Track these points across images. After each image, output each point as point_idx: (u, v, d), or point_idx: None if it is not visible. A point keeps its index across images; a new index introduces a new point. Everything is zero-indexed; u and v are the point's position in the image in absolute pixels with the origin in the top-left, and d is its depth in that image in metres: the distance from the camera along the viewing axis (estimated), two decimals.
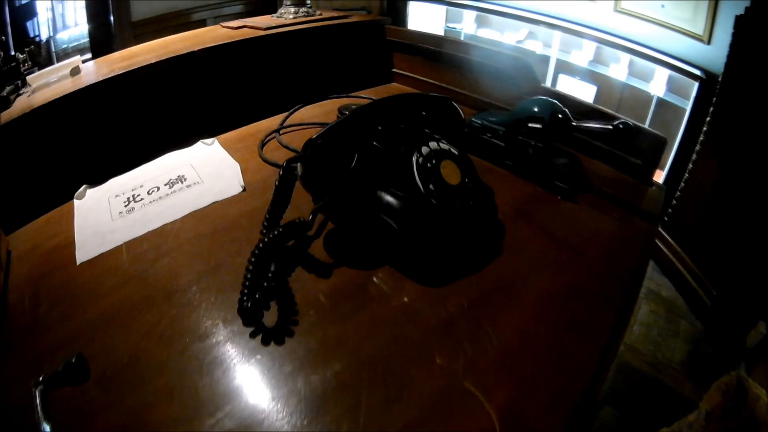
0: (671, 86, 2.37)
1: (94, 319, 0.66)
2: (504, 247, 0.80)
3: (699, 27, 2.27)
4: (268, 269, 0.66)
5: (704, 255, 2.40)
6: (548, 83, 2.64)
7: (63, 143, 1.06)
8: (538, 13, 2.61)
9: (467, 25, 2.90)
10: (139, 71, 1.13)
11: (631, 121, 0.93)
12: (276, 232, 0.68)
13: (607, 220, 0.94)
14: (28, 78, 1.18)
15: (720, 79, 2.11)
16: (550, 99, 1.02)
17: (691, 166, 2.29)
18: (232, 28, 1.42)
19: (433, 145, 0.75)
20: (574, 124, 0.98)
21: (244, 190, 0.95)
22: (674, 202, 2.40)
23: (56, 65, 1.23)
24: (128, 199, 0.92)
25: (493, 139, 1.05)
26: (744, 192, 2.10)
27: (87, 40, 2.82)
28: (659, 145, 1.05)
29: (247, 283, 0.63)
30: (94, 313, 0.67)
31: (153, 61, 1.14)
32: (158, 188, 0.95)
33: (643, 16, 2.44)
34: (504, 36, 2.75)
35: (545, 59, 2.65)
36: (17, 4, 2.56)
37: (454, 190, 0.73)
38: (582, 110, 1.10)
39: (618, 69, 2.42)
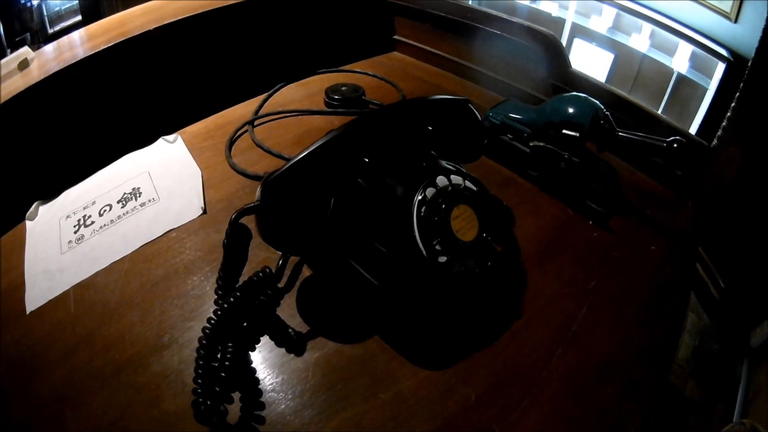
0: (694, 62, 2.14)
1: (47, 396, 0.53)
2: (525, 308, 0.61)
3: (727, 4, 2.04)
4: (225, 350, 0.49)
5: (716, 245, 2.22)
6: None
7: (12, 149, 0.87)
8: None
9: None
10: (90, 59, 0.92)
11: (683, 139, 0.72)
12: (231, 300, 0.51)
13: (644, 258, 0.74)
14: None
15: (750, 64, 1.86)
16: (590, 98, 0.78)
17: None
18: None
19: (441, 181, 0.52)
20: (620, 134, 0.75)
21: (205, 212, 0.76)
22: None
23: (3, 60, 1.02)
24: (78, 221, 0.79)
25: (515, 142, 0.80)
26: (762, 185, 1.88)
27: (77, 2, 2.69)
28: (703, 155, 0.91)
29: (200, 374, 0.47)
30: (46, 389, 0.54)
31: (103, 46, 0.93)
32: (110, 207, 0.80)
33: None
34: None
35: (560, 21, 2.39)
36: None
37: (468, 248, 0.51)
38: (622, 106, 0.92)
39: (638, 39, 2.17)
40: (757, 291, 2.12)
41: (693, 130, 2.19)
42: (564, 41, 2.45)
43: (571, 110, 0.76)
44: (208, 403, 0.44)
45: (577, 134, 0.73)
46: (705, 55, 2.16)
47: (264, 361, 0.54)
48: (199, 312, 0.59)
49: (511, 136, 0.81)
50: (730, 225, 2.13)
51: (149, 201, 0.80)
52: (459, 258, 0.50)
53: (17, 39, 2.19)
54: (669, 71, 2.22)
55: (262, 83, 1.09)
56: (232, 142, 0.91)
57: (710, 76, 2.15)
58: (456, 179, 0.52)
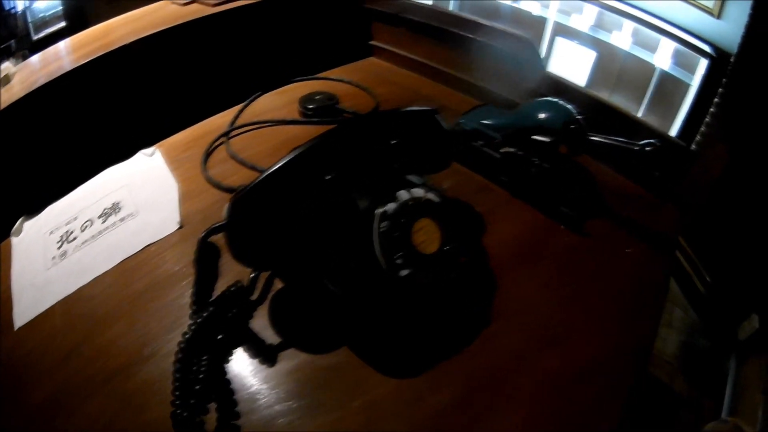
0: (676, 59, 2.14)
1: (41, 405, 0.56)
2: (496, 315, 0.62)
3: (710, 1, 1.99)
4: (200, 363, 0.52)
5: (701, 239, 2.24)
6: (544, 46, 2.39)
7: None
8: None
9: None
10: (70, 74, 0.95)
11: (658, 141, 0.75)
12: (205, 315, 0.53)
13: (621, 261, 0.75)
14: None
15: (732, 60, 1.87)
16: (562, 103, 0.79)
17: (694, 147, 2.06)
18: (181, 4, 1.18)
19: (403, 195, 0.52)
20: (591, 138, 0.76)
21: (181, 226, 0.77)
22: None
23: None
24: (62, 237, 0.81)
25: (487, 148, 0.80)
26: (748, 181, 1.90)
27: (61, 8, 2.69)
28: (683, 156, 0.92)
29: (177, 386, 0.50)
30: (41, 396, 0.56)
31: (82, 61, 0.96)
32: (91, 222, 0.82)
33: None
34: None
35: (542, 20, 2.39)
36: None
37: (430, 261, 0.52)
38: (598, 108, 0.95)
39: (621, 37, 2.17)
40: (743, 285, 2.14)
41: (677, 126, 2.19)
42: (546, 40, 2.45)
43: (542, 115, 0.76)
44: (185, 414, 0.47)
45: (548, 139, 0.73)
46: (688, 51, 2.16)
47: (239, 372, 0.55)
48: (178, 324, 0.60)
49: (482, 143, 0.80)
50: (714, 220, 2.15)
51: (129, 215, 0.81)
52: (421, 271, 0.50)
53: (2, 46, 2.19)
54: (651, 68, 2.23)
55: (240, 93, 1.09)
56: (208, 154, 0.92)
57: (693, 72, 2.15)
58: (418, 192, 0.53)
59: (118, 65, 0.97)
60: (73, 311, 0.67)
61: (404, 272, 0.50)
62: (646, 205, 0.87)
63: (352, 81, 1.14)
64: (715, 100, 1.96)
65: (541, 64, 1.00)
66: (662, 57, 2.24)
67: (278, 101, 1.09)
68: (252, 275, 0.58)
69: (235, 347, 0.57)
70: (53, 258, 0.77)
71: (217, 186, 0.84)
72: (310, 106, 1.00)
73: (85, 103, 0.96)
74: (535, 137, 0.75)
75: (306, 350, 0.57)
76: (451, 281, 0.54)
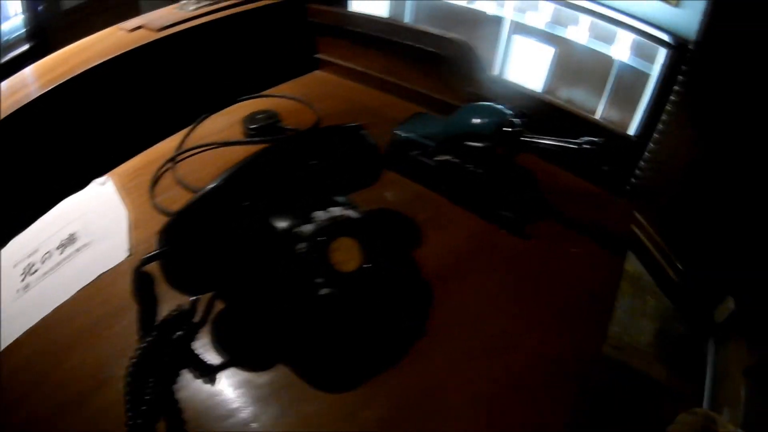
0: (635, 49, 2.14)
1: (19, 427, 0.58)
2: (431, 327, 0.63)
3: None
4: (147, 386, 0.54)
5: (670, 227, 2.22)
6: (501, 45, 2.39)
7: None
8: None
9: None
10: (21, 110, 0.94)
11: (598, 139, 0.74)
12: (148, 340, 0.56)
13: (565, 262, 0.76)
14: None
15: (691, 47, 1.89)
16: (496, 106, 0.80)
17: (656, 136, 2.08)
18: (128, 30, 1.19)
19: (320, 215, 0.55)
20: (526, 139, 0.77)
21: (130, 254, 0.79)
22: (638, 172, 2.19)
23: None
24: (24, 270, 0.83)
25: (422, 157, 0.81)
26: (713, 165, 1.90)
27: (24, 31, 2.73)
28: (631, 148, 0.96)
29: (128, 408, 0.52)
30: (17, 420, 0.58)
31: (35, 96, 0.96)
32: (50, 254, 0.84)
33: None
34: None
35: (498, 20, 2.38)
36: None
37: (350, 278, 0.54)
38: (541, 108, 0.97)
39: (578, 31, 2.17)
40: (716, 269, 2.13)
41: (638, 117, 2.20)
42: (503, 39, 2.45)
43: (475, 120, 0.78)
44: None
45: (480, 145, 0.73)
46: (646, 42, 2.16)
47: (185, 391, 0.58)
48: (131, 348, 0.61)
49: (418, 152, 0.80)
50: (682, 208, 2.15)
51: (84, 246, 0.84)
52: (341, 289, 0.50)
53: None
54: (610, 61, 2.23)
55: (188, 115, 1.11)
56: (155, 181, 0.93)
57: (653, 62, 2.15)
58: (335, 211, 0.55)
59: (68, 97, 0.98)
60: (39, 341, 0.69)
61: (324, 291, 0.52)
62: (597, 202, 0.90)
63: (295, 96, 1.15)
64: (675, 88, 1.99)
65: (481, 66, 1.01)
66: (621, 49, 2.25)
67: (223, 122, 1.10)
68: (192, 299, 0.60)
69: (181, 368, 0.59)
70: (18, 291, 0.79)
71: (164, 212, 0.85)
72: (253, 126, 1.02)
73: (38, 137, 0.98)
74: (468, 143, 0.74)
75: (245, 368, 0.59)
76: (375, 297, 0.53)
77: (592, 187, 0.93)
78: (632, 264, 2.23)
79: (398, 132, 0.85)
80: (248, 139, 1.01)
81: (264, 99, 1.18)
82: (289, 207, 0.57)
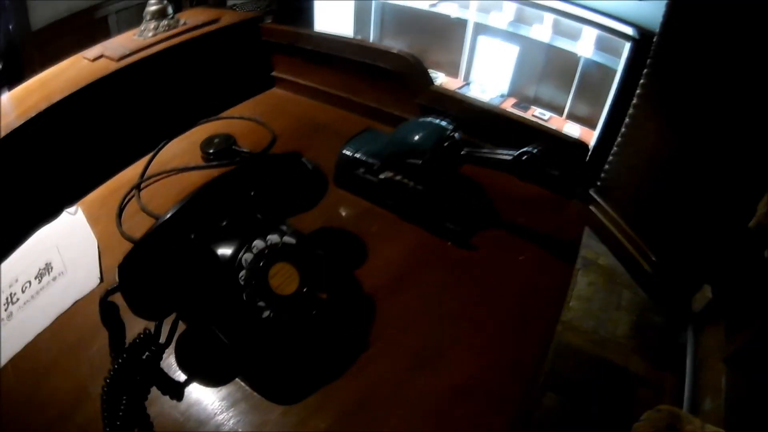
0: (600, 45, 2.21)
1: None
2: (375, 339, 0.70)
3: None
4: (120, 403, 0.59)
5: (641, 221, 2.27)
6: (466, 46, 2.45)
7: None
8: None
9: None
10: None
11: (537, 148, 0.77)
12: (119, 362, 0.61)
13: (511, 270, 0.82)
14: None
15: (655, 39, 1.95)
16: (435, 121, 0.86)
17: (624, 130, 2.14)
18: (90, 60, 1.23)
19: (258, 244, 0.61)
20: (464, 153, 0.83)
21: (102, 281, 0.85)
22: (607, 166, 2.25)
23: None
24: (7, 299, 0.89)
25: (368, 175, 0.88)
26: (681, 156, 1.96)
27: None
28: (580, 152, 1.01)
29: (105, 425, 0.58)
30: None
31: (4, 134, 1.00)
32: (30, 283, 0.90)
33: None
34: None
35: (462, 23, 2.45)
36: None
37: (290, 301, 0.61)
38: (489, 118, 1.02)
39: (541, 29, 2.23)
40: (689, 259, 2.18)
41: (605, 111, 2.26)
42: (468, 39, 2.51)
43: (415, 137, 0.84)
44: None
45: (419, 161, 0.78)
46: (611, 37, 2.23)
47: (154, 406, 0.64)
48: (106, 369, 0.66)
49: (363, 170, 0.85)
50: (652, 200, 2.20)
51: (60, 274, 0.89)
52: (281, 311, 0.56)
53: None
54: (576, 57, 2.29)
55: (151, 141, 1.16)
56: (121, 209, 0.99)
57: (618, 56, 2.21)
58: (273, 238, 0.60)
59: (35, 131, 1.03)
60: (22, 366, 0.74)
61: (266, 314, 0.56)
62: (548, 206, 0.97)
63: (252, 117, 1.22)
64: (642, 81, 2.04)
65: (428, 79, 1.06)
66: (585, 45, 2.31)
67: (183, 146, 1.16)
68: (156, 323, 0.65)
69: (150, 386, 0.65)
70: (2, 319, 0.85)
71: (131, 240, 0.91)
72: (210, 150, 1.08)
73: (8, 171, 1.02)
74: (409, 160, 0.79)
75: (206, 384, 0.66)
76: (315, 316, 0.58)
77: (544, 192, 0.98)
78: (606, 258, 2.29)
79: (345, 151, 0.91)
80: (206, 164, 1.07)
81: (223, 121, 1.23)
82: (233, 236, 0.62)
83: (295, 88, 1.35)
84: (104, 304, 0.61)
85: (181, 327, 0.69)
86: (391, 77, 1.12)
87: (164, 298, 0.63)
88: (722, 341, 1.96)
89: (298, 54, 1.29)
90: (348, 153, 0.91)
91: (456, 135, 0.83)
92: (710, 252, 2.06)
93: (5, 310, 0.86)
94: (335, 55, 1.21)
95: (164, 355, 0.65)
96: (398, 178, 0.84)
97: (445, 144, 0.81)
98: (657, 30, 1.78)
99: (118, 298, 0.61)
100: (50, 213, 1.00)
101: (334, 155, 0.95)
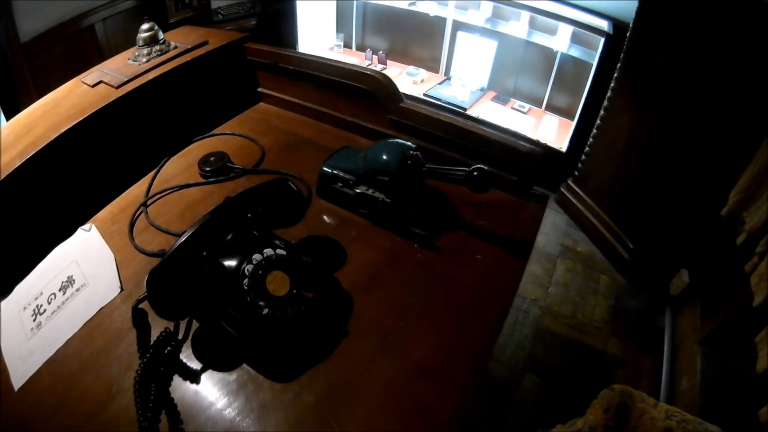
0: (576, 39, 2.40)
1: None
2: (351, 329, 0.91)
3: None
4: (150, 390, 0.79)
5: (618, 209, 2.49)
6: (446, 42, 2.64)
7: None
8: None
9: None
10: (10, 176, 1.13)
11: (484, 167, 0.97)
12: (147, 357, 0.81)
13: (468, 267, 1.02)
14: None
15: (628, 34, 2.15)
16: (401, 142, 1.08)
17: (599, 122, 2.35)
18: (90, 85, 1.39)
19: (257, 258, 0.82)
20: (425, 169, 1.04)
21: (122, 290, 1.02)
22: (584, 156, 2.45)
23: None
24: (34, 311, 1.02)
25: (345, 189, 1.11)
26: (653, 146, 2.17)
27: None
28: (534, 158, 1.11)
29: (138, 409, 0.77)
30: (53, 427, 0.81)
31: (17, 165, 1.14)
32: (55, 295, 1.04)
33: None
34: None
35: (441, 20, 2.63)
36: None
37: (283, 301, 0.82)
38: (451, 129, 1.20)
39: (518, 26, 2.42)
40: (665, 245, 2.36)
41: (581, 101, 2.44)
42: (447, 36, 2.68)
43: (383, 157, 1.05)
44: (146, 425, 0.75)
45: (387, 178, 0.99)
46: (585, 32, 2.40)
47: (178, 391, 0.83)
48: (133, 365, 0.85)
49: (341, 184, 1.06)
50: (628, 189, 2.39)
51: (82, 286, 1.04)
52: (276, 309, 0.80)
53: None
54: (552, 52, 2.46)
55: (152, 160, 1.34)
56: (132, 225, 1.17)
57: (594, 49, 2.38)
58: (268, 252, 0.83)
59: (47, 159, 1.17)
60: (55, 370, 0.90)
61: (264, 311, 0.79)
62: (508, 210, 1.15)
63: (242, 134, 1.42)
64: (615, 75, 2.25)
65: (398, 96, 1.24)
66: (561, 40, 2.49)
67: (181, 164, 1.35)
68: (175, 323, 0.86)
69: (173, 375, 0.85)
70: (32, 329, 0.99)
71: (143, 252, 1.09)
72: (207, 168, 1.28)
73: (24, 196, 1.17)
74: (378, 177, 1.00)
75: (218, 370, 0.86)
76: (303, 312, 0.81)
77: (505, 196, 1.17)
78: (584, 245, 2.49)
79: (325, 168, 1.12)
80: (204, 181, 1.27)
81: (216, 137, 1.44)
82: (236, 251, 0.84)
83: (279, 103, 1.55)
84: (136, 311, 0.82)
85: (195, 325, 0.89)
86: (366, 94, 1.32)
87: (183, 303, 0.83)
88: (698, 324, 2.16)
89: (282, 71, 1.48)
90: (327, 170, 1.12)
91: (418, 154, 1.04)
92: (686, 238, 2.28)
93: (33, 321, 1.00)
94: (313, 74, 1.41)
95: (182, 349, 0.86)
96: (370, 192, 1.05)
97: (408, 162, 1.02)
98: (630, 23, 1.98)
99: (141, 303, 0.82)
100: (65, 232, 1.16)
101: (317, 168, 1.16)
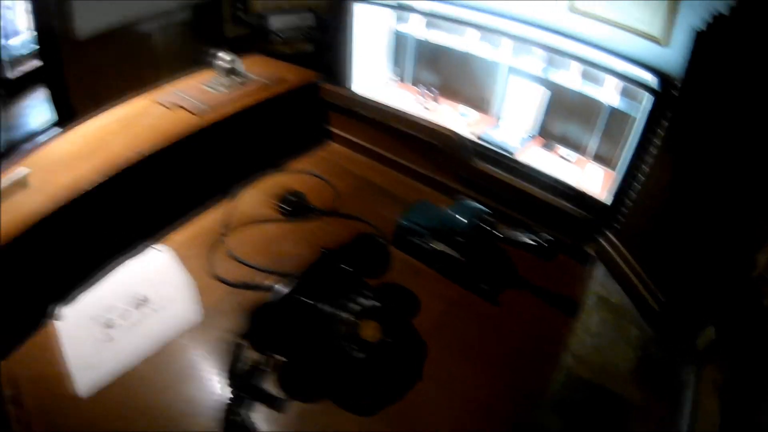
0: (624, 91, 2.49)
1: None
2: (426, 371, 1.02)
3: (656, 28, 2.37)
4: (239, 413, 0.90)
5: (654, 262, 2.56)
6: (499, 85, 2.74)
7: (24, 261, 1.16)
8: (489, 11, 2.67)
9: (416, 28, 3.00)
10: (86, 195, 1.21)
11: (552, 238, 1.09)
12: (237, 384, 0.93)
13: (523, 322, 1.14)
14: None
15: (675, 91, 2.22)
16: (477, 206, 1.19)
17: (642, 176, 2.43)
18: (167, 107, 1.50)
19: (354, 307, 0.96)
20: (499, 235, 1.15)
21: (202, 316, 1.12)
22: (625, 210, 2.55)
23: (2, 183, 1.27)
24: (105, 324, 1.09)
25: (421, 243, 1.23)
26: (693, 205, 2.26)
27: (37, 47, 2.98)
28: (589, 224, 1.29)
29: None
30: None
31: (97, 182, 1.22)
32: (128, 311, 1.12)
33: (598, 17, 2.53)
34: (453, 38, 2.83)
35: (495, 64, 2.74)
36: None
37: (375, 346, 0.94)
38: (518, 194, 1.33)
39: (570, 75, 2.52)
40: (696, 300, 2.45)
41: (626, 157, 2.53)
42: (501, 79, 2.77)
43: (460, 218, 1.17)
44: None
45: (463, 240, 1.11)
46: (633, 87, 2.49)
47: (261, 416, 0.94)
48: (213, 389, 0.98)
49: (418, 238, 1.20)
50: (664, 243, 2.48)
51: (160, 308, 1.12)
52: (368, 353, 0.93)
53: None
54: (600, 104, 2.54)
55: (224, 188, 1.44)
56: (210, 253, 1.27)
57: (640, 103, 2.47)
58: (364, 302, 0.95)
59: (123, 177, 1.26)
60: (130, 384, 0.99)
61: (358, 355, 0.91)
62: (561, 269, 1.25)
63: (316, 173, 1.53)
64: (660, 132, 2.35)
65: (470, 156, 1.38)
66: (609, 93, 2.59)
67: (257, 197, 1.45)
68: (265, 356, 0.97)
69: (259, 401, 0.95)
70: (102, 341, 1.06)
71: (225, 282, 1.20)
72: (285, 206, 1.39)
73: (93, 209, 1.24)
74: (455, 237, 1.13)
75: (301, 401, 0.97)
76: (390, 357, 0.94)
77: (561, 257, 1.25)
78: (617, 296, 2.59)
79: (403, 222, 1.26)
80: (284, 218, 1.39)
81: (289, 174, 1.54)
82: (333, 299, 0.97)
83: (350, 145, 1.66)
84: (236, 344, 0.95)
85: (279, 361, 0.99)
86: (438, 150, 1.43)
87: (280, 340, 0.96)
88: (720, 379, 2.24)
89: (355, 115, 1.59)
90: (405, 223, 1.26)
91: (492, 219, 1.16)
92: (716, 295, 2.35)
93: (103, 333, 1.07)
94: (387, 124, 1.52)
95: (268, 379, 0.97)
96: (445, 248, 1.19)
97: (484, 226, 1.15)
98: (679, 76, 2.06)
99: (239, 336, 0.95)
100: (127, 246, 1.25)
101: (390, 216, 1.28)
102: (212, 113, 1.48)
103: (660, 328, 2.59)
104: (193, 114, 1.47)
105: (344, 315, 0.94)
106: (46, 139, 1.38)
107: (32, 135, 3.08)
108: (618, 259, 2.76)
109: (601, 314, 2.69)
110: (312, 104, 1.67)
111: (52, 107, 3.07)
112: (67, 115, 3.00)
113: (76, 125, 1.45)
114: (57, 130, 2.91)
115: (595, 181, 2.62)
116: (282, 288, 0.95)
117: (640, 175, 2.48)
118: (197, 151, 1.44)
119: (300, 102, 1.64)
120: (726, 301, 2.33)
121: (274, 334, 0.95)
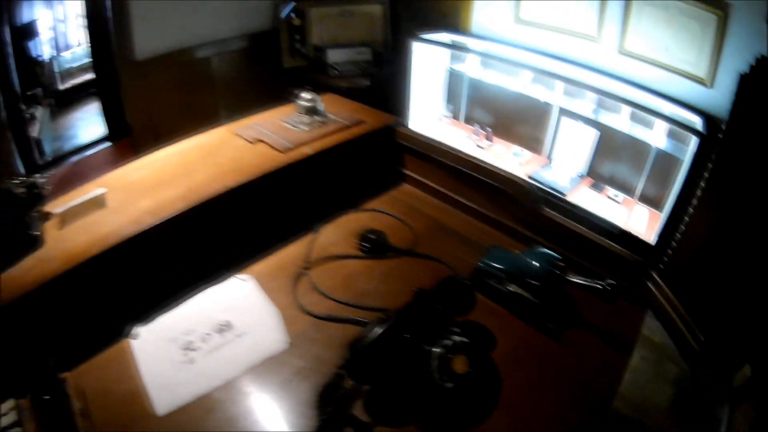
0: (671, 133, 2.56)
1: None
2: (501, 401, 1.14)
3: (702, 70, 2.45)
4: None
5: (695, 302, 2.63)
6: (551, 126, 2.85)
7: (104, 282, 1.28)
8: (542, 52, 2.79)
9: (471, 67, 3.13)
10: (170, 222, 1.35)
11: (615, 282, 1.23)
12: (329, 409, 1.07)
13: (584, 360, 1.25)
14: (50, 206, 1.37)
15: (721, 136, 2.30)
16: (550, 253, 1.32)
17: (688, 219, 2.51)
18: (249, 142, 1.63)
19: (447, 342, 1.08)
20: (570, 280, 1.29)
21: (288, 345, 1.21)
22: (670, 251, 2.63)
23: (79, 200, 1.40)
24: (185, 345, 1.17)
25: (498, 285, 1.37)
26: (736, 243, 2.34)
27: (90, 60, 3.16)
28: (642, 267, 1.31)
29: None
30: None
31: (182, 210, 1.35)
32: (210, 335, 1.19)
33: (646, 59, 2.63)
34: (507, 78, 2.96)
35: (548, 106, 2.85)
36: (18, 24, 2.77)
37: (463, 377, 1.06)
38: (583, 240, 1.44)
39: (619, 118, 2.61)
40: (734, 341, 2.54)
41: (672, 198, 2.61)
42: (552, 122, 2.87)
43: (535, 264, 1.31)
44: None
45: (537, 284, 1.26)
46: (680, 130, 2.58)
47: None
48: (297, 417, 1.08)
49: (495, 281, 1.34)
50: (705, 284, 2.57)
51: (244, 333, 1.21)
52: (458, 384, 1.06)
53: (29, 93, 2.64)
54: (648, 146, 2.64)
55: (304, 224, 1.54)
56: (294, 285, 1.38)
57: (688, 145, 2.57)
58: (456, 338, 1.09)
59: (208, 207, 1.38)
60: (209, 407, 1.05)
61: (449, 385, 1.05)
62: (618, 312, 1.36)
63: (394, 214, 1.63)
64: (707, 175, 2.45)
65: (541, 205, 1.49)
66: (657, 135, 2.69)
67: (337, 234, 1.56)
68: (353, 384, 1.10)
69: (346, 425, 1.08)
70: (182, 362, 1.12)
71: (311, 314, 1.30)
72: (365, 244, 1.51)
73: (175, 235, 1.36)
74: (529, 280, 1.27)
75: (388, 426, 1.09)
76: (475, 388, 1.08)
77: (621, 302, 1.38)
78: (659, 335, 2.69)
79: (481, 265, 1.39)
80: (365, 255, 1.50)
81: (367, 213, 1.64)
82: (424, 334, 1.10)
83: (423, 188, 1.76)
84: (336, 374, 1.09)
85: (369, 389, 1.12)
86: (510, 198, 1.56)
87: (375, 371, 1.08)
88: (754, 417, 2.32)
89: (428, 160, 1.71)
90: (483, 266, 1.39)
91: (563, 265, 1.30)
92: (754, 335, 2.43)
93: (183, 355, 1.13)
94: (461, 170, 1.64)
95: (356, 405, 1.09)
96: (520, 291, 1.33)
97: (556, 272, 1.28)
98: (724, 118, 2.15)
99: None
100: (210, 275, 1.33)
101: (463, 257, 1.42)
102: (295, 151, 1.61)
103: (698, 366, 2.73)
104: (276, 150, 1.60)
105: (439, 350, 1.07)
106: (93, 152, 1.46)
107: (81, 148, 3.21)
108: (662, 299, 2.86)
109: (642, 352, 2.77)
110: (389, 146, 1.79)
111: (104, 122, 3.22)
112: (119, 132, 3.21)
113: (151, 150, 1.58)
114: (107, 144, 3.20)
115: (642, 221, 2.70)
116: (379, 323, 1.07)
117: (685, 216, 2.63)
118: (280, 187, 1.56)
119: (378, 144, 1.77)
120: (763, 340, 2.41)
121: (374, 366, 1.07)
